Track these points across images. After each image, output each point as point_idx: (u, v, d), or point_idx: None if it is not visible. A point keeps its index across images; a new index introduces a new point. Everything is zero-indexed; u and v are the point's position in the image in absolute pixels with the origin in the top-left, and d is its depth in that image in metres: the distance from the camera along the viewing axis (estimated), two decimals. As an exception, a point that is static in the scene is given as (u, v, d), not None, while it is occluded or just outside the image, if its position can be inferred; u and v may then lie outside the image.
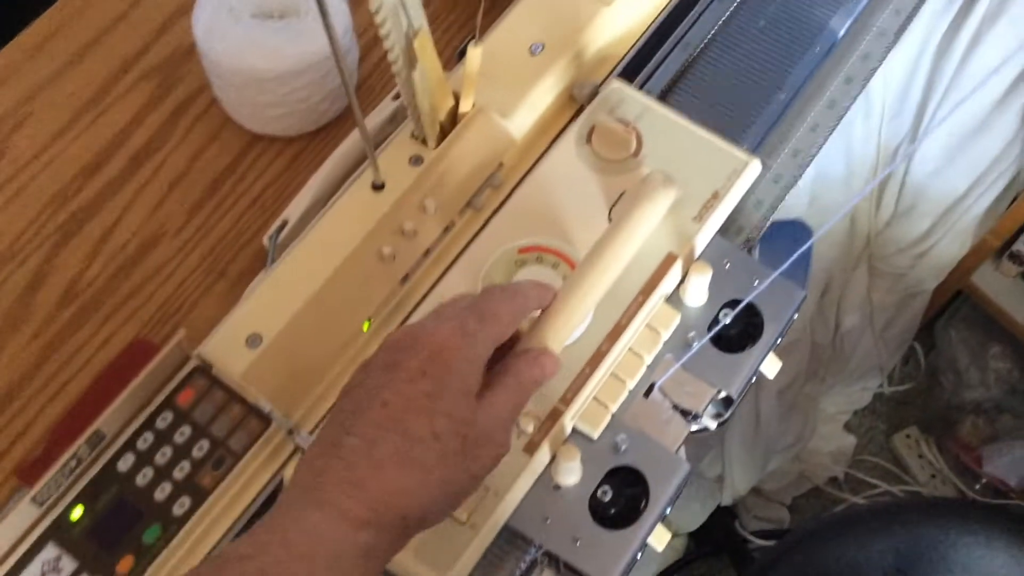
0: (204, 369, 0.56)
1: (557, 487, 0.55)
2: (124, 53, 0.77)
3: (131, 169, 0.72)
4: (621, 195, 0.61)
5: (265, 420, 0.56)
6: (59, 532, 0.52)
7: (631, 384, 0.57)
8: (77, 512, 0.53)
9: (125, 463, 0.54)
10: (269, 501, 0.55)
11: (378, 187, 0.60)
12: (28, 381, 0.64)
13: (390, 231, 0.59)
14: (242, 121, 0.73)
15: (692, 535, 1.41)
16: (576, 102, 0.67)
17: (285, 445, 0.56)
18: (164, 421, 0.55)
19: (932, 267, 1.29)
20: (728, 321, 0.59)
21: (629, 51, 0.69)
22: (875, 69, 0.70)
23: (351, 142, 0.67)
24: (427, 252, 0.61)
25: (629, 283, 0.58)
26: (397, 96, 0.68)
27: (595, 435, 0.56)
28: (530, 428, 0.54)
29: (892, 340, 1.42)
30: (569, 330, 0.51)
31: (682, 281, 0.60)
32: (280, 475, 0.56)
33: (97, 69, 0.76)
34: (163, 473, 0.54)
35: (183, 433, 0.55)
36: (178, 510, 0.53)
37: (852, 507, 1.40)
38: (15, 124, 0.74)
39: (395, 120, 0.68)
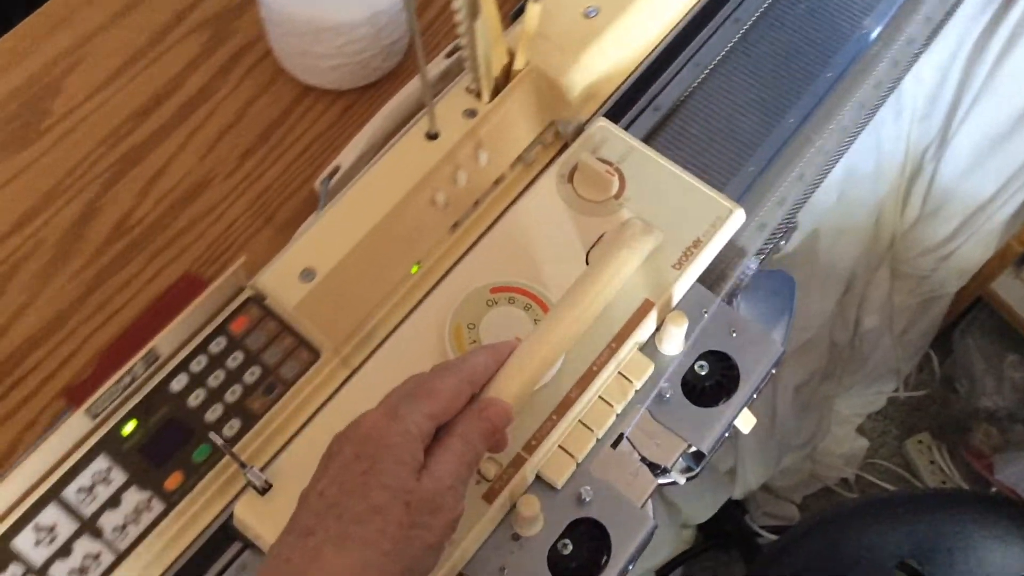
0: (258, 300, 0.58)
1: (516, 537, 0.53)
2: (178, 5, 0.78)
3: (183, 115, 0.73)
4: (600, 237, 0.60)
5: (315, 352, 0.57)
6: (111, 445, 0.53)
7: (599, 433, 0.55)
8: (129, 427, 0.54)
9: (178, 383, 0.55)
10: (314, 431, 0.57)
11: (432, 136, 0.62)
12: (76, 310, 0.66)
13: (443, 179, 0.61)
14: (295, 72, 0.74)
15: (701, 527, 1.42)
16: (561, 138, 0.65)
17: (335, 376, 0.57)
18: (218, 346, 0.56)
19: (954, 270, 1.30)
20: (703, 373, 0.57)
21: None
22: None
23: (404, 95, 0.68)
24: (477, 202, 0.62)
25: (603, 329, 0.56)
26: (450, 54, 0.70)
27: (558, 484, 0.54)
28: (491, 474, 0.53)
29: (910, 344, 1.43)
30: (529, 380, 0.50)
31: (658, 329, 0.58)
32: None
33: (152, 18, 0.78)
34: (215, 395, 0.55)
35: (236, 359, 0.56)
36: (228, 431, 0.55)
37: (873, 494, 1.41)
38: (70, 65, 0.75)
39: (446, 78, 0.69)
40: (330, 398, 0.56)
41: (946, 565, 0.93)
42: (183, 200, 0.70)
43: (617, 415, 0.56)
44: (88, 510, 0.52)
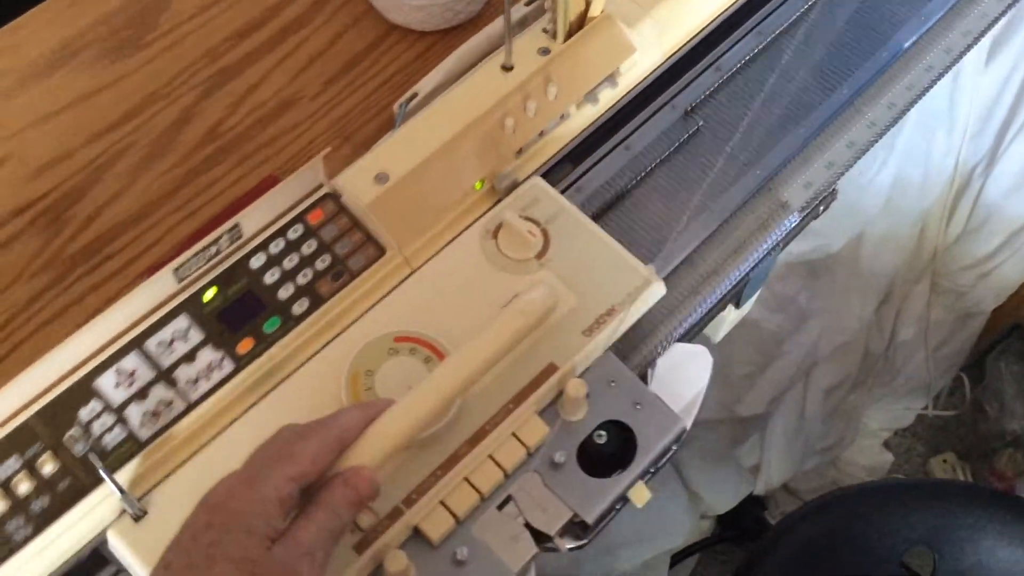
0: (334, 196, 0.63)
1: None
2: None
3: (277, 40, 0.79)
4: (514, 298, 0.59)
5: (381, 249, 0.62)
6: (192, 307, 0.59)
7: (484, 493, 0.54)
8: (210, 293, 0.59)
9: (257, 261, 0.60)
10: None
11: (508, 68, 0.66)
12: (164, 202, 0.71)
13: (513, 106, 0.65)
14: (383, 10, 0.80)
15: (720, 519, 1.45)
16: (495, 193, 0.65)
17: (397, 272, 0.62)
18: (295, 233, 0.61)
19: (993, 288, 1.32)
20: (602, 442, 0.56)
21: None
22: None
23: (484, 35, 0.73)
24: (542, 133, 0.67)
25: (504, 388, 0.56)
26: (529, 2, 0.75)
27: (435, 541, 0.53)
28: (366, 524, 0.52)
29: (943, 360, 1.45)
30: (399, 443, 0.49)
31: (560, 395, 0.57)
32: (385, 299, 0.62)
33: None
34: (288, 276, 0.60)
35: (310, 246, 0.61)
36: (297, 309, 0.60)
37: (894, 479, 1.42)
38: (177, -14, 0.82)
39: (523, 24, 0.74)
40: (228, 426, 0.57)
41: (957, 556, 0.95)
42: (270, 116, 0.76)
43: (506, 477, 0.55)
44: (166, 362, 0.57)
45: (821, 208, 0.74)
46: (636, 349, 0.62)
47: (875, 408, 1.51)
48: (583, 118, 0.69)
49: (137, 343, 0.58)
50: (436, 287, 0.61)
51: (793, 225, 0.69)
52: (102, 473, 0.52)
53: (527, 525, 0.54)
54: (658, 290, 0.61)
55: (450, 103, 0.65)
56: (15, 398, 0.55)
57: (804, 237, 1.21)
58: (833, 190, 0.73)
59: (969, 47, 0.75)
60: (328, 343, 0.59)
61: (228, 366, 0.58)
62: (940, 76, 0.74)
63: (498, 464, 0.55)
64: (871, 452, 1.53)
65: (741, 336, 1.24)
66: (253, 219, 0.60)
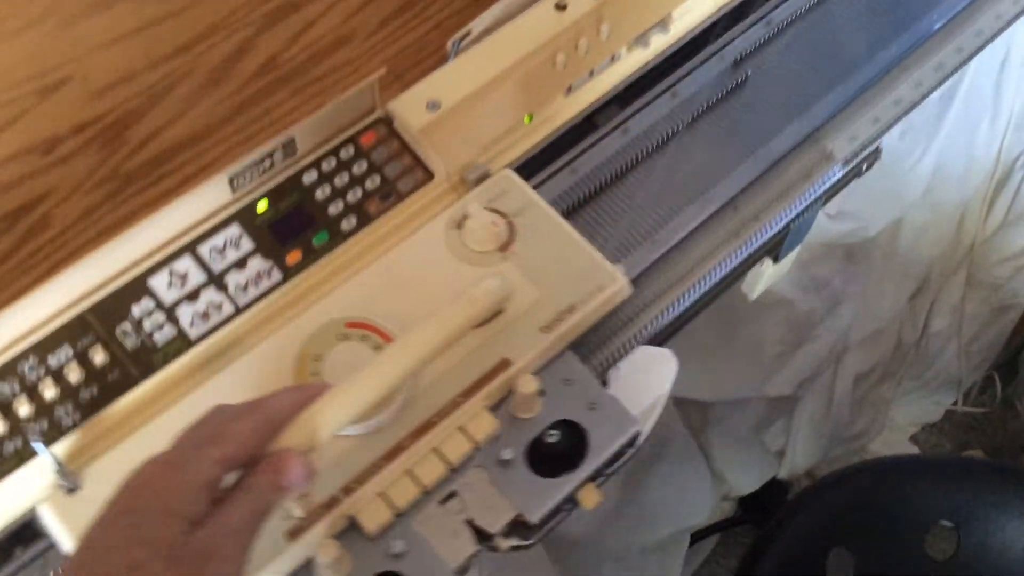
0: (386, 120, 0.64)
1: None
2: None
3: (336, -20, 0.81)
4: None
5: (429, 173, 0.63)
6: (245, 217, 0.60)
7: (427, 486, 0.53)
8: (262, 205, 0.61)
9: (309, 177, 0.62)
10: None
11: (561, 7, 0.68)
12: (220, 128, 0.73)
13: (565, 43, 0.67)
14: (440, -44, 0.81)
15: (742, 500, 1.45)
16: (465, 184, 0.64)
17: (443, 198, 0.63)
18: (346, 153, 0.63)
19: (1031, 281, 1.32)
20: (553, 442, 0.55)
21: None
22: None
23: (538, -20, 0.75)
24: (592, 73, 0.68)
25: (454, 381, 0.55)
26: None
27: (372, 532, 0.52)
28: (301, 512, 0.51)
29: (975, 355, 1.45)
30: (333, 427, 0.47)
31: (513, 391, 0.56)
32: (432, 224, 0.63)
33: None
34: (338, 193, 0.62)
35: (360, 166, 0.63)
36: (345, 226, 0.61)
37: (921, 454, 1.42)
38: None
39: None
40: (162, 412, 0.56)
41: (980, 533, 0.95)
42: (325, 51, 0.77)
43: (452, 471, 0.54)
44: (217, 267, 0.59)
45: (864, 166, 0.75)
46: (598, 349, 0.61)
47: (904, 401, 1.50)
48: (633, 61, 0.70)
49: (190, 247, 0.59)
50: (397, 275, 0.59)
51: (836, 178, 0.70)
52: (40, 450, 0.52)
53: (469, 522, 0.53)
54: (623, 290, 0.60)
55: (503, 38, 0.67)
56: (70, 290, 0.57)
57: (842, 219, 1.21)
58: (877, 148, 0.74)
59: (1020, 14, 0.76)
60: (281, 327, 0.58)
61: (276, 275, 0.60)
62: (989, 40, 0.74)
63: (443, 458, 0.54)
64: (897, 446, 1.53)
65: (774, 314, 1.24)
66: (307, 137, 0.62)
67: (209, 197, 0.60)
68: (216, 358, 0.57)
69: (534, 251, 0.60)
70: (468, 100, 0.64)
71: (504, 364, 0.56)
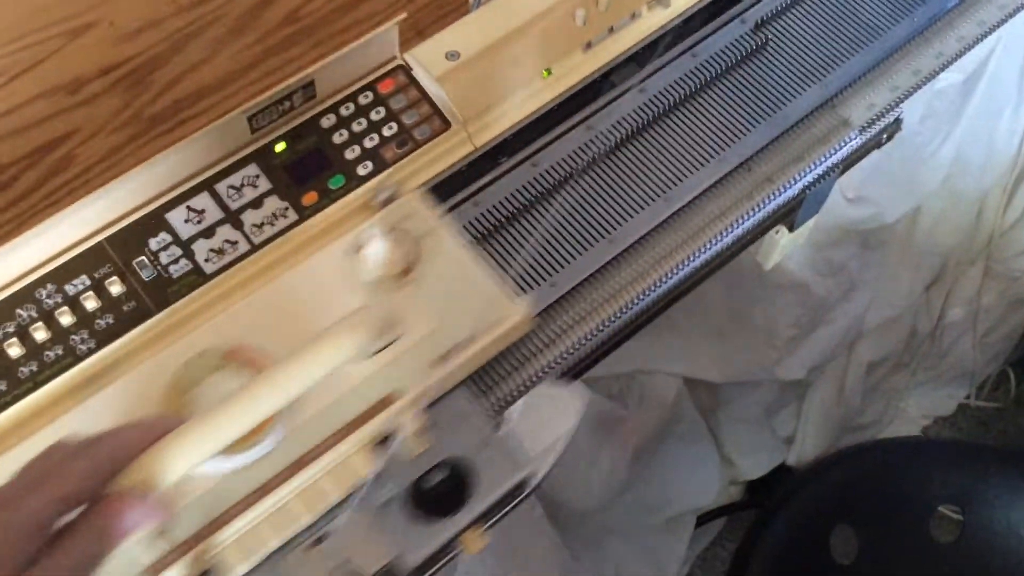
0: (406, 69, 0.65)
1: None
2: None
3: (360, -63, 0.82)
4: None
5: (446, 122, 0.64)
6: (262, 157, 0.61)
7: (299, 526, 0.51)
8: (280, 146, 0.62)
9: (327, 121, 0.63)
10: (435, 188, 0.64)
11: (583, -35, 0.68)
12: (242, 75, 0.74)
13: (586, 1, 0.67)
14: (466, -83, 0.82)
15: (749, 485, 1.45)
16: (373, 206, 0.61)
17: (459, 148, 0.64)
18: (365, 99, 0.64)
19: (1049, 275, 1.31)
20: (438, 482, 0.53)
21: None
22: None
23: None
24: (612, 29, 0.69)
25: (336, 415, 0.53)
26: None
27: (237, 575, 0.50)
28: (163, 548, 0.48)
29: (990, 348, 1.44)
30: (182, 466, 0.42)
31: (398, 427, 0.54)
32: (447, 172, 0.64)
33: None
34: (355, 138, 0.63)
35: (378, 112, 0.63)
36: (361, 170, 0.62)
37: (931, 437, 1.42)
38: None
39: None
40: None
41: (986, 516, 0.95)
42: (349, 4, 0.78)
43: (326, 511, 0.52)
44: (234, 205, 0.60)
45: (884, 137, 0.75)
46: (499, 383, 0.58)
47: (916, 392, 1.50)
48: (653, 20, 0.70)
49: (208, 184, 0.60)
50: (291, 299, 0.57)
51: (853, 144, 0.70)
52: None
53: (343, 565, 0.51)
54: (523, 323, 0.57)
55: (524, -6, 0.67)
56: (89, 219, 0.58)
57: (860, 203, 1.21)
58: (897, 120, 0.74)
59: (1044, -11, 0.75)
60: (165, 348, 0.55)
61: (292, 216, 0.60)
62: (1011, 15, 0.74)
63: (317, 496, 0.51)
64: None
65: (788, 296, 1.24)
66: (327, 80, 0.62)
67: (228, 135, 0.61)
68: (97, 378, 0.55)
69: (434, 279, 0.57)
70: (487, 51, 0.65)
71: (391, 398, 0.53)
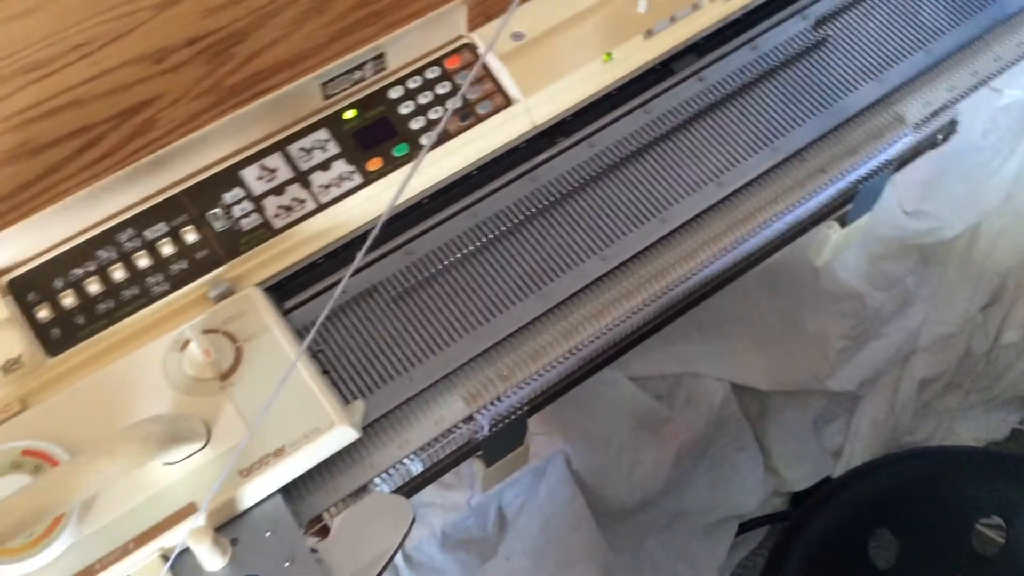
0: (471, 47, 0.68)
1: None
2: None
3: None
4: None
5: (508, 99, 0.67)
6: (332, 123, 0.65)
7: None
8: (350, 113, 0.65)
9: (395, 93, 0.66)
10: (488, 164, 0.66)
11: (648, -44, 0.70)
12: (318, 52, 0.78)
13: (649, -10, 0.69)
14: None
15: (793, 497, 1.44)
16: (210, 301, 0.59)
17: (519, 121, 0.67)
18: (432, 74, 0.67)
19: (1111, 299, 1.29)
20: None
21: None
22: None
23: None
24: (672, 18, 0.71)
25: (131, 524, 0.50)
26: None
27: None
28: None
29: (1047, 373, 1.42)
30: None
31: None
32: (507, 147, 0.66)
33: None
34: (421, 110, 0.66)
35: (444, 86, 0.66)
36: (425, 140, 0.65)
37: (976, 448, 1.40)
38: None
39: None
40: None
41: (1029, 530, 0.94)
42: (423, -11, 0.81)
43: None
44: (304, 166, 0.63)
45: (940, 137, 0.76)
46: (316, 494, 0.56)
47: (969, 414, 1.48)
48: (715, 12, 0.72)
49: (280, 146, 0.64)
50: (104, 397, 0.54)
51: (907, 142, 0.71)
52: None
53: None
54: (346, 435, 0.54)
55: (591, -19, 0.70)
56: (168, 171, 0.61)
57: (919, 217, 1.21)
58: (952, 121, 0.75)
59: (1110, -1, 0.76)
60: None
61: (357, 179, 0.63)
62: (1075, 22, 0.75)
63: None
64: (960, 461, 1.50)
65: (842, 307, 1.24)
66: (397, 53, 0.65)
67: (302, 100, 0.64)
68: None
69: (254, 384, 0.55)
70: (551, 33, 0.67)
71: (188, 510, 0.51)
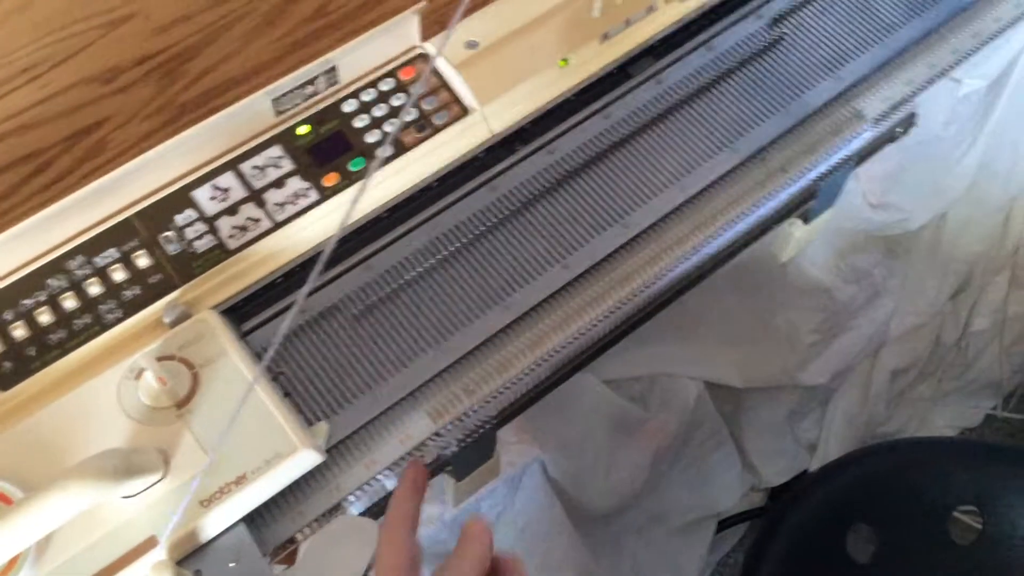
0: (426, 56, 0.67)
1: None
2: None
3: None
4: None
5: (465, 109, 0.66)
6: (286, 139, 0.63)
7: None
8: (303, 129, 0.64)
9: (349, 106, 0.65)
10: (447, 175, 0.65)
11: (601, -41, 0.70)
12: (271, 67, 0.77)
13: (603, -6, 0.69)
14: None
15: (771, 492, 1.45)
16: (164, 326, 0.58)
17: (475, 131, 0.66)
18: (386, 86, 0.66)
19: (1076, 284, 1.30)
20: None
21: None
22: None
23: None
24: (627, 21, 0.70)
25: (89, 560, 0.49)
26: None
27: None
28: None
29: (1016, 357, 1.43)
30: None
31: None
32: (465, 158, 0.65)
33: None
34: (376, 123, 0.65)
35: (398, 99, 0.65)
36: (381, 152, 0.64)
37: (954, 437, 1.40)
38: None
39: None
40: None
41: (1005, 519, 0.94)
42: (375, 1, 0.80)
43: None
44: (258, 184, 0.62)
45: (899, 130, 0.76)
46: (281, 520, 0.55)
47: (942, 402, 1.49)
48: (670, 14, 0.71)
49: (233, 164, 0.63)
50: (58, 430, 0.53)
51: (867, 137, 0.71)
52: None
53: None
54: (309, 458, 0.53)
55: (544, -14, 0.69)
56: (118, 194, 0.60)
57: (885, 209, 1.21)
58: (912, 114, 0.75)
59: (1062, -13, 0.76)
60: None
61: (313, 195, 0.62)
62: (1029, 12, 0.75)
63: None
64: (935, 449, 1.51)
65: (811, 302, 1.24)
66: (349, 66, 0.64)
67: (253, 117, 0.63)
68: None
69: (212, 410, 0.54)
70: (505, 40, 0.67)
71: (151, 542, 0.49)
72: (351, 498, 0.56)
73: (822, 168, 0.69)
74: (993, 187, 1.25)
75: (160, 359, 0.55)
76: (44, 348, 0.56)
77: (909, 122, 0.76)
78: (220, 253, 0.60)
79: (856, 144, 0.70)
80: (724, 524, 1.40)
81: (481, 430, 0.60)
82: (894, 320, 1.32)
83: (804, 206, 0.76)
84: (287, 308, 0.61)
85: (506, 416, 0.65)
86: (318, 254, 0.60)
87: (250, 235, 0.61)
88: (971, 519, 0.96)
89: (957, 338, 1.40)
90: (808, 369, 1.30)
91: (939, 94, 1.09)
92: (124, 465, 0.48)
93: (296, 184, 0.62)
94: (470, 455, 0.65)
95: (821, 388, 1.34)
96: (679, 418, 1.27)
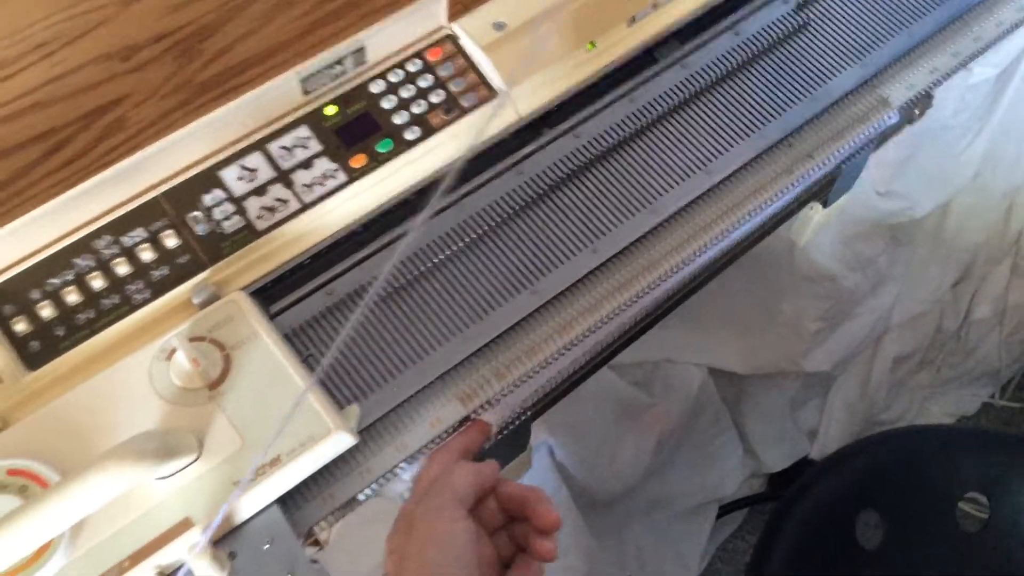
0: (454, 37, 0.66)
1: None
2: None
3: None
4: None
5: (492, 91, 0.65)
6: (313, 120, 0.63)
7: None
8: (331, 110, 0.63)
9: (376, 87, 0.64)
10: (479, 156, 0.65)
11: (628, -58, 0.69)
12: (290, 45, 0.76)
13: (631, -24, 0.68)
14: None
15: (771, 478, 1.45)
16: (193, 307, 0.57)
17: (504, 113, 0.65)
18: (414, 67, 0.65)
19: (1078, 273, 1.31)
20: None
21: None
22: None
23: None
24: (655, 4, 0.70)
25: (125, 541, 0.49)
26: None
27: None
28: None
29: (1016, 347, 1.44)
30: None
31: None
32: (492, 140, 0.65)
33: None
34: (404, 104, 0.64)
35: (426, 79, 0.65)
36: (409, 135, 0.63)
37: (961, 426, 1.41)
38: None
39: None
40: None
41: (1011, 506, 0.95)
42: (395, -19, 0.79)
43: None
44: (285, 164, 0.62)
45: (916, 112, 0.75)
46: (315, 502, 0.54)
47: (941, 390, 1.50)
48: (697, -2, 0.71)
49: (260, 144, 0.62)
50: (89, 410, 0.52)
51: (892, 125, 0.70)
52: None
53: None
54: (343, 441, 0.53)
55: (571, -31, 0.68)
56: (146, 173, 0.59)
57: (891, 197, 1.21)
58: (929, 95, 0.75)
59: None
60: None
61: (341, 177, 0.62)
62: (1052, 1, 0.75)
63: None
64: (932, 436, 1.52)
65: (816, 289, 1.24)
66: (377, 47, 0.64)
67: (281, 97, 0.62)
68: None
69: (245, 391, 0.53)
70: (533, 21, 0.66)
71: (184, 525, 0.49)
72: (381, 481, 0.56)
73: (847, 153, 0.69)
74: (997, 176, 1.26)
75: (191, 340, 0.54)
76: (72, 328, 0.56)
77: (926, 103, 0.76)
78: (248, 234, 0.59)
79: (880, 128, 0.70)
80: (725, 509, 1.41)
81: (517, 420, 0.60)
82: (896, 308, 1.33)
83: (826, 190, 0.76)
84: (315, 291, 0.60)
85: (539, 409, 0.65)
86: (346, 235, 0.59)
87: (278, 216, 0.60)
88: (977, 507, 0.97)
89: (957, 327, 1.40)
90: (811, 356, 1.31)
91: (950, 82, 1.09)
92: (163, 446, 0.48)
93: (324, 165, 0.62)
94: (505, 448, 0.65)
95: (822, 375, 1.35)
96: (683, 404, 1.27)
